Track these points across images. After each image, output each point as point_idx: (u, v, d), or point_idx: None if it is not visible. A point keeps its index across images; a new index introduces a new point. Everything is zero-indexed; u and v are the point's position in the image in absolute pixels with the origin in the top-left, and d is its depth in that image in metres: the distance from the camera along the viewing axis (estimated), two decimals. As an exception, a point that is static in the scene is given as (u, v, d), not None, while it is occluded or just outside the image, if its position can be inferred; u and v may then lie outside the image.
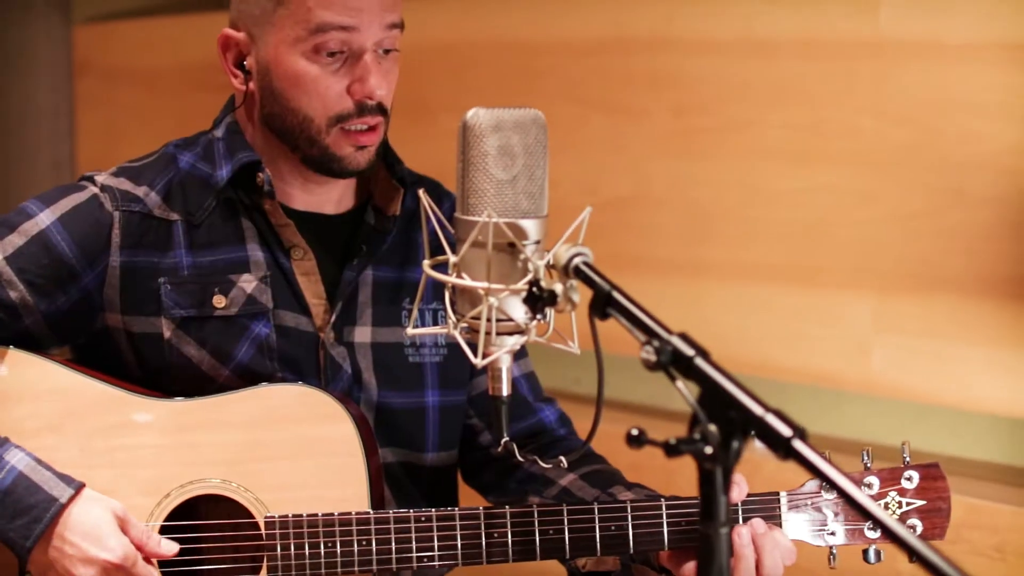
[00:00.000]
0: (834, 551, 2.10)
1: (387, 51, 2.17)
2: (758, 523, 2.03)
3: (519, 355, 2.43)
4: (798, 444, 1.34)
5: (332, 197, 2.30)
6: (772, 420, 1.36)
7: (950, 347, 2.92)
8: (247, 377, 2.19)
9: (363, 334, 2.27)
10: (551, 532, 2.07)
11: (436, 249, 1.74)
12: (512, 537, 2.07)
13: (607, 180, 3.42)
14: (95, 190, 2.20)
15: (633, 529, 2.07)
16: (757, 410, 1.37)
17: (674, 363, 1.44)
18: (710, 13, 3.23)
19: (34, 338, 2.17)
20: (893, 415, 3.07)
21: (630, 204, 3.38)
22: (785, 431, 1.35)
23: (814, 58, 3.06)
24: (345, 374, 2.24)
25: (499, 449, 1.83)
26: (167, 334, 2.18)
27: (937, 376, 2.94)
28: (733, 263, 3.23)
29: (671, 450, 1.38)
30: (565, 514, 2.07)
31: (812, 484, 2.09)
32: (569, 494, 2.27)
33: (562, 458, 1.81)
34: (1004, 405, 2.89)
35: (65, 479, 2.01)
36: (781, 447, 1.35)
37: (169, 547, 2.05)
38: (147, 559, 2.04)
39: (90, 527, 1.98)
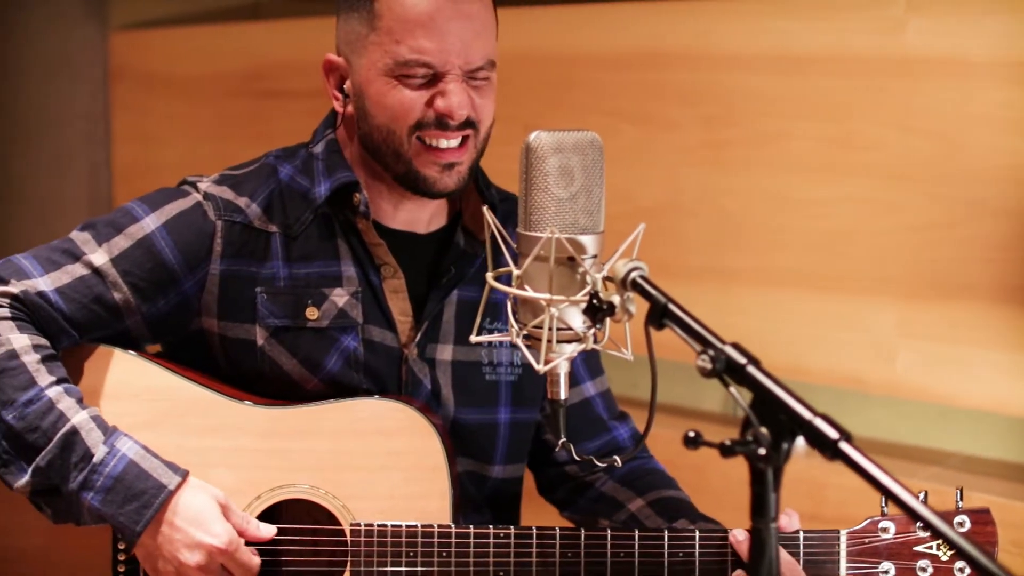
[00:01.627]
0: None
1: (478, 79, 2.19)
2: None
3: (595, 373, 2.49)
4: (845, 446, 1.43)
5: (424, 216, 2.33)
6: (820, 424, 1.44)
7: (971, 352, 3.00)
8: (334, 386, 2.25)
9: (445, 352, 2.32)
10: (622, 556, 2.14)
11: (498, 263, 1.82)
12: (585, 558, 2.14)
13: (639, 189, 3.48)
14: (198, 197, 2.24)
15: (700, 558, 2.14)
16: (806, 414, 1.45)
17: (728, 371, 1.52)
18: (742, 30, 3.30)
19: (132, 337, 2.23)
20: (916, 417, 3.14)
21: (661, 213, 3.44)
22: (832, 434, 1.43)
23: (842, 74, 3.13)
24: (424, 389, 2.29)
25: (557, 449, 1.90)
26: (260, 341, 2.23)
27: (958, 379, 3.02)
28: (762, 270, 3.30)
29: (726, 451, 1.47)
30: (636, 540, 2.13)
31: (869, 523, 2.17)
32: (636, 521, 2.34)
33: (616, 458, 1.88)
34: (1022, 407, 2.98)
35: (172, 467, 2.07)
36: (829, 449, 1.43)
37: (268, 530, 2.13)
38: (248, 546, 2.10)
39: (196, 513, 2.05)
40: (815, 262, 3.23)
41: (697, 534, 2.14)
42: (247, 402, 2.21)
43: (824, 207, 3.19)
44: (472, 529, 2.14)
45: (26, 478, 2.05)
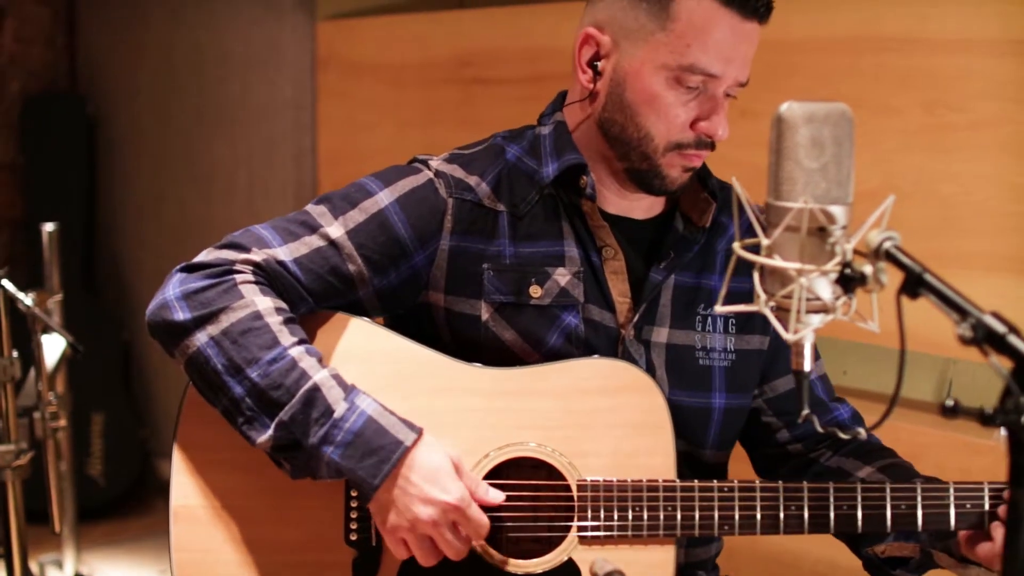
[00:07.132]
0: None
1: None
2: None
3: (814, 358, 2.50)
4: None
5: (643, 204, 2.41)
6: (1086, 393, 1.44)
7: None
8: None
9: (660, 334, 2.35)
10: (845, 508, 2.17)
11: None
12: (809, 511, 2.18)
13: (856, 173, 3.44)
14: (430, 175, 2.32)
15: (923, 509, 2.16)
16: (1070, 384, 1.45)
17: (987, 339, 1.51)
18: (961, 12, 3.25)
19: (363, 308, 2.31)
20: None
21: (878, 197, 3.39)
22: (1100, 404, 1.43)
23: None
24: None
25: (800, 420, 1.91)
26: (485, 316, 2.30)
27: None
28: (982, 255, 3.25)
29: (986, 419, 1.46)
30: (859, 492, 2.17)
31: None
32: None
33: (860, 429, 1.86)
34: None
35: (408, 424, 2.13)
36: (1096, 419, 1.43)
37: (496, 495, 2.18)
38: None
39: (431, 470, 2.11)
40: (1037, 248, 3.17)
41: (919, 487, 2.17)
42: (474, 365, 2.26)
43: (1047, 192, 3.14)
44: (697, 483, 2.19)
45: (269, 433, 2.12)
